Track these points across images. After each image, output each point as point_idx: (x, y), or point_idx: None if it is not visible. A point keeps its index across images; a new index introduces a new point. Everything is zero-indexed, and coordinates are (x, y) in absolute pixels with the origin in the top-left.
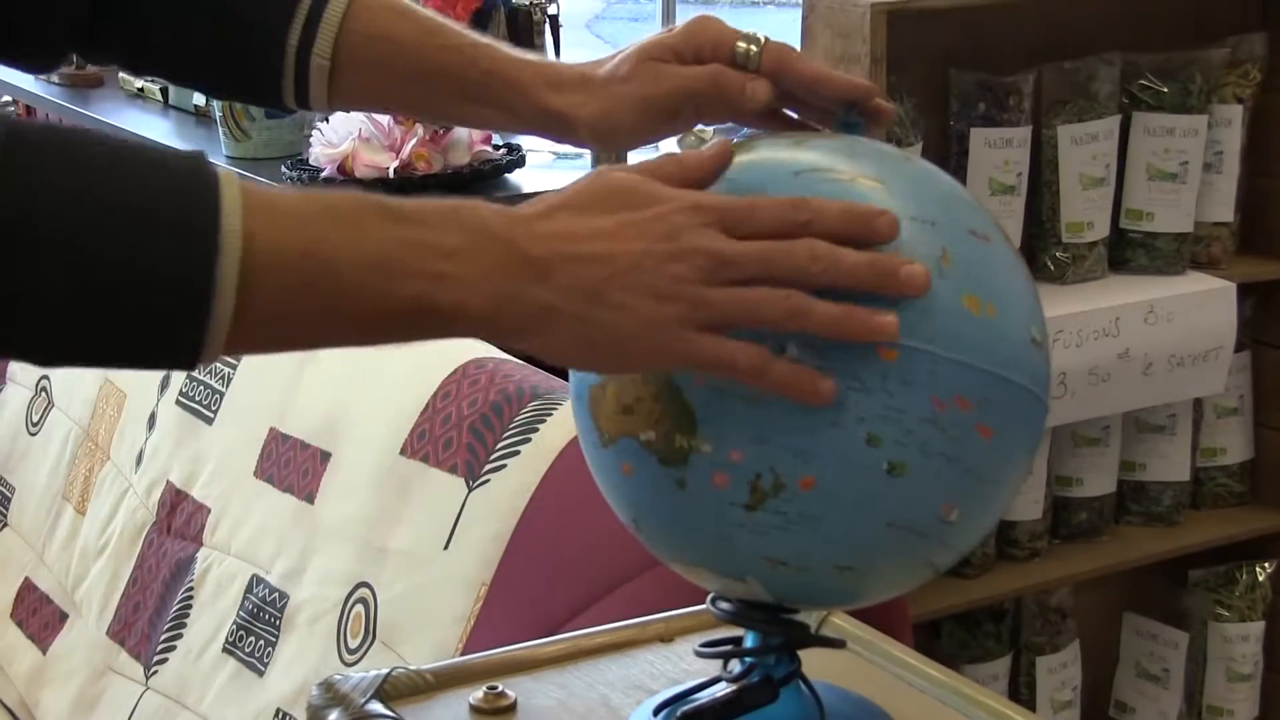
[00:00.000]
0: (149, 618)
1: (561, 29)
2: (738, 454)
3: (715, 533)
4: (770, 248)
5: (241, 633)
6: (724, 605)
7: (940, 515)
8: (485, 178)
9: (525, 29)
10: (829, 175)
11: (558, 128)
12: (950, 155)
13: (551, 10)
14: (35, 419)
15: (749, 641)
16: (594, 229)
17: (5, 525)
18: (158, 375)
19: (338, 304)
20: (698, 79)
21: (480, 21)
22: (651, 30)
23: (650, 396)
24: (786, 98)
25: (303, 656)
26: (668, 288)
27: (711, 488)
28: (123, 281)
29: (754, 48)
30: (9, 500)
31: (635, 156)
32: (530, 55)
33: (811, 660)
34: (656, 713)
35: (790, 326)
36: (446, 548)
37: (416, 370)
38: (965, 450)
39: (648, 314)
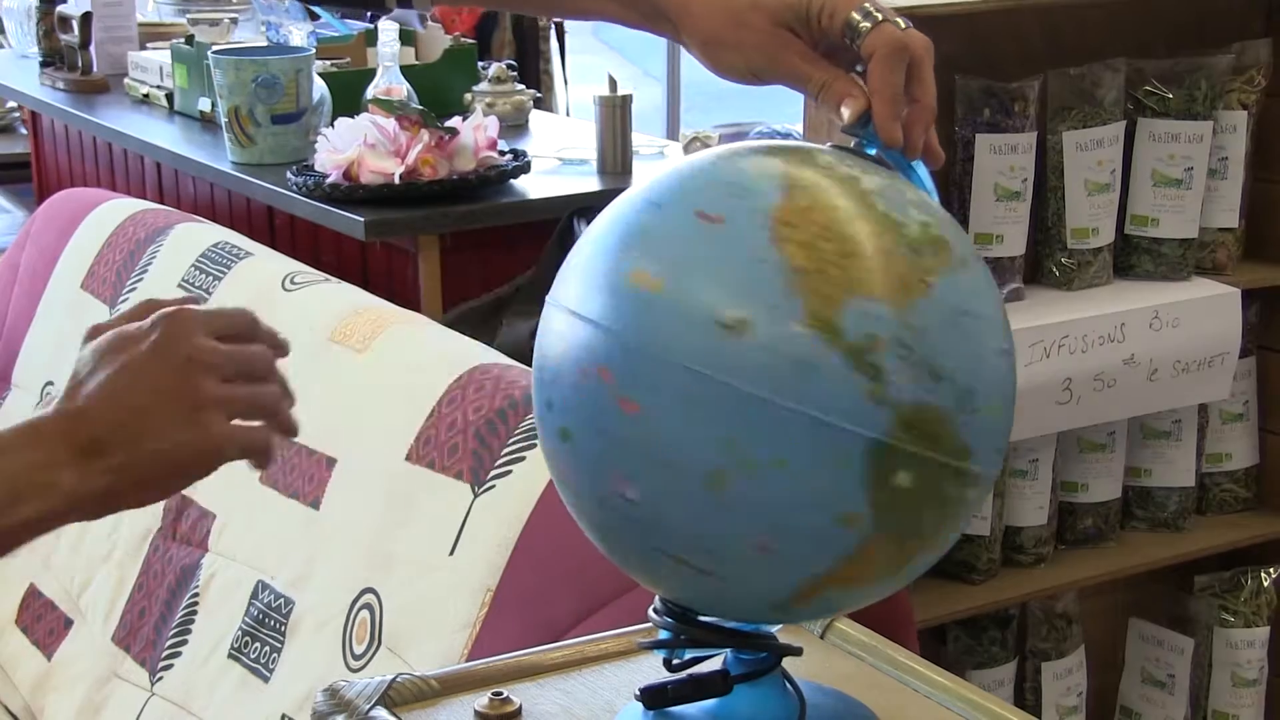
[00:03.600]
0: (154, 624)
1: (567, 34)
2: None
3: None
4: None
5: (247, 639)
6: (654, 610)
7: (614, 489)
8: (491, 183)
9: (531, 34)
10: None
11: (667, 28)
12: (955, 161)
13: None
14: None
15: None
16: (101, 387)
17: None
18: None
19: None
20: (807, 82)
21: (487, 25)
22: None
23: None
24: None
25: (308, 663)
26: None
27: None
28: None
29: (866, 24)
30: None
31: None
32: None
33: (816, 664)
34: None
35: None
36: (452, 554)
37: (421, 376)
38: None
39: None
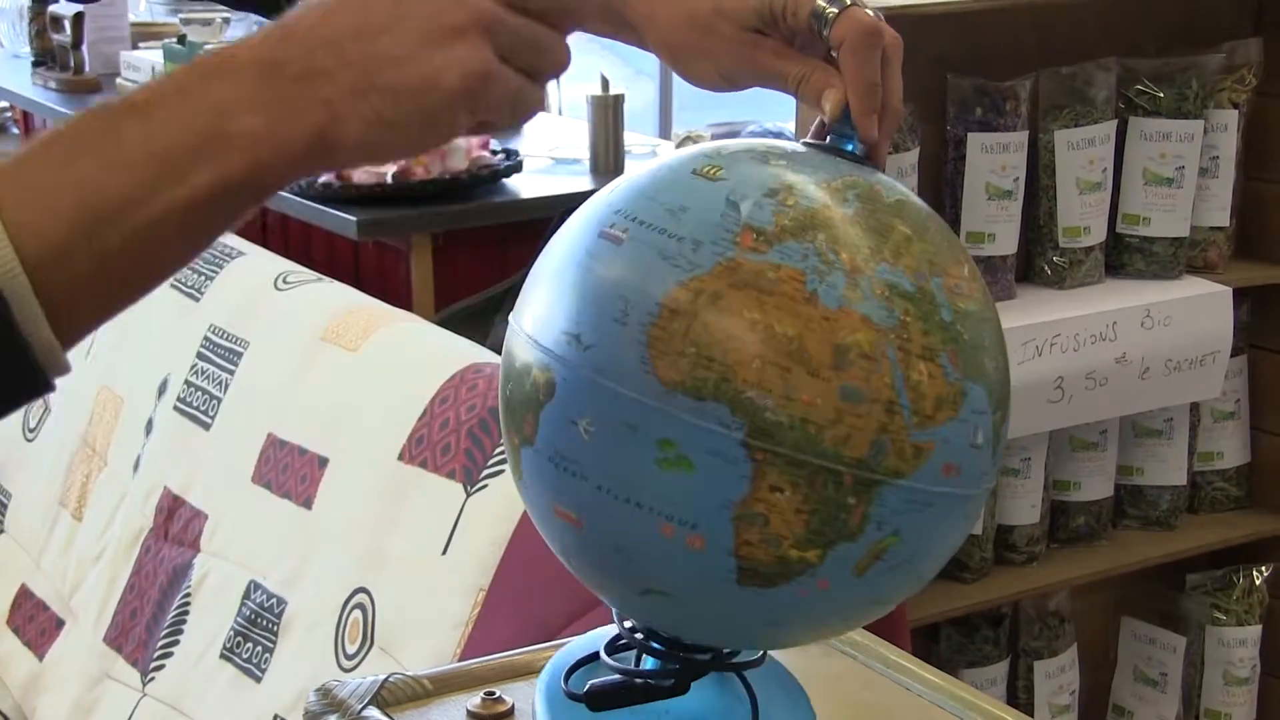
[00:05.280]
0: (146, 624)
1: None
2: None
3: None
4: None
5: (239, 639)
6: (626, 623)
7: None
8: (483, 182)
9: None
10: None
11: (634, 37)
12: (947, 160)
13: None
14: (32, 425)
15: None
16: (337, 2)
17: (2, 532)
18: (155, 380)
19: (137, 240)
20: (785, 78)
21: None
22: None
23: None
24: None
25: (300, 662)
26: (452, 18)
27: None
28: None
29: (833, 10)
30: (5, 507)
31: None
32: None
33: (810, 662)
34: (570, 673)
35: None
36: (445, 553)
37: (414, 375)
38: None
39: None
